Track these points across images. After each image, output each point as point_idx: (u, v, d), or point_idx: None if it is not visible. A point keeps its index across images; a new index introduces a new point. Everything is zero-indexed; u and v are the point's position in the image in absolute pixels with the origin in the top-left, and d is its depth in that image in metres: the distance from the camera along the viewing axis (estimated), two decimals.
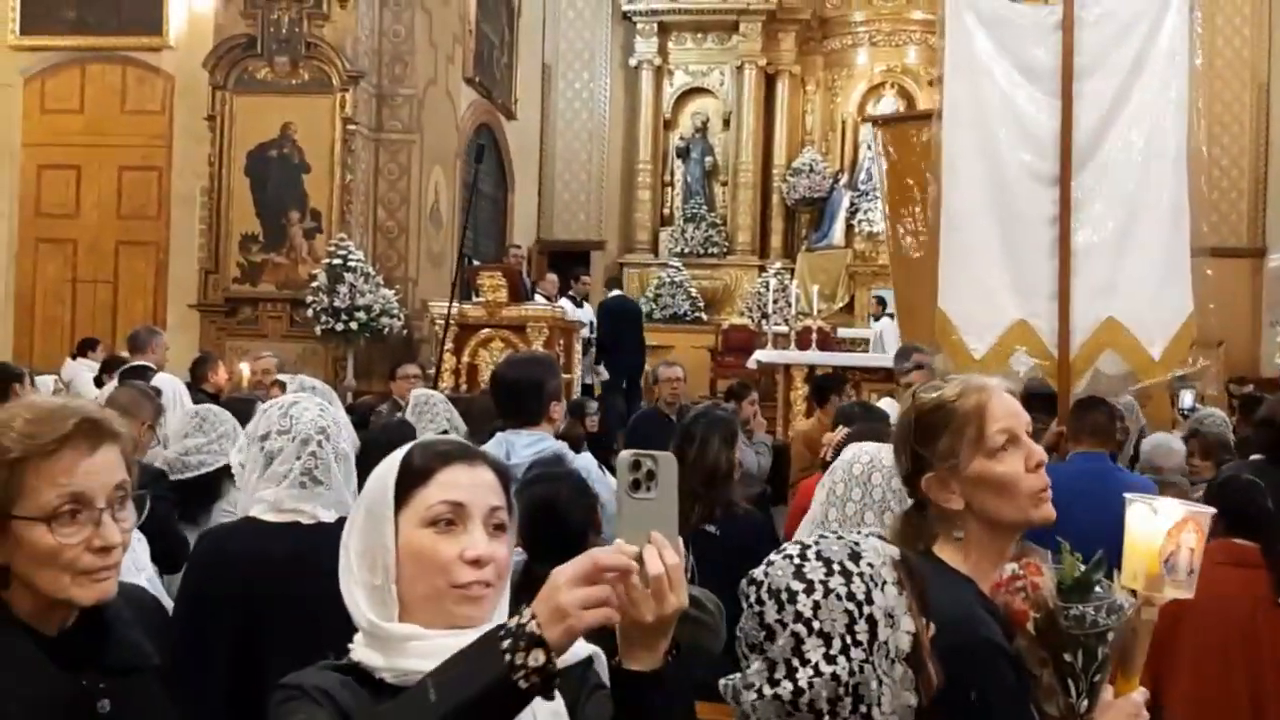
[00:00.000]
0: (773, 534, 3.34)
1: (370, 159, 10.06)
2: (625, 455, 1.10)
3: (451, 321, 8.09)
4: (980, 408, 1.60)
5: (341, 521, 1.41)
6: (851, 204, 14.01)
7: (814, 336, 9.70)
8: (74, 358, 8.66)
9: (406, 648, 1.18)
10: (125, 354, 6.81)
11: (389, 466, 1.25)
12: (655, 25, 14.52)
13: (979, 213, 3.62)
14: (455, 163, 11.17)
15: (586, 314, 10.52)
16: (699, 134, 14.72)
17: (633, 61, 14.68)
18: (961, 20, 3.73)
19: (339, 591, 1.25)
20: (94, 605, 1.33)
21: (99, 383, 6.36)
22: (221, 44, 9.73)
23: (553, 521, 2.26)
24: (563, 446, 3.13)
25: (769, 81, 14.59)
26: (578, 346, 9.63)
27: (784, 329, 10.42)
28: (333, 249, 9.41)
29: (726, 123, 14.67)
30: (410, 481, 1.23)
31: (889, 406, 4.09)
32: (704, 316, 14.01)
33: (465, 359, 8.77)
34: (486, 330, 8.81)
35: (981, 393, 1.62)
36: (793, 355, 9.54)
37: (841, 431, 3.26)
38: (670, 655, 1.09)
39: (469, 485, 1.23)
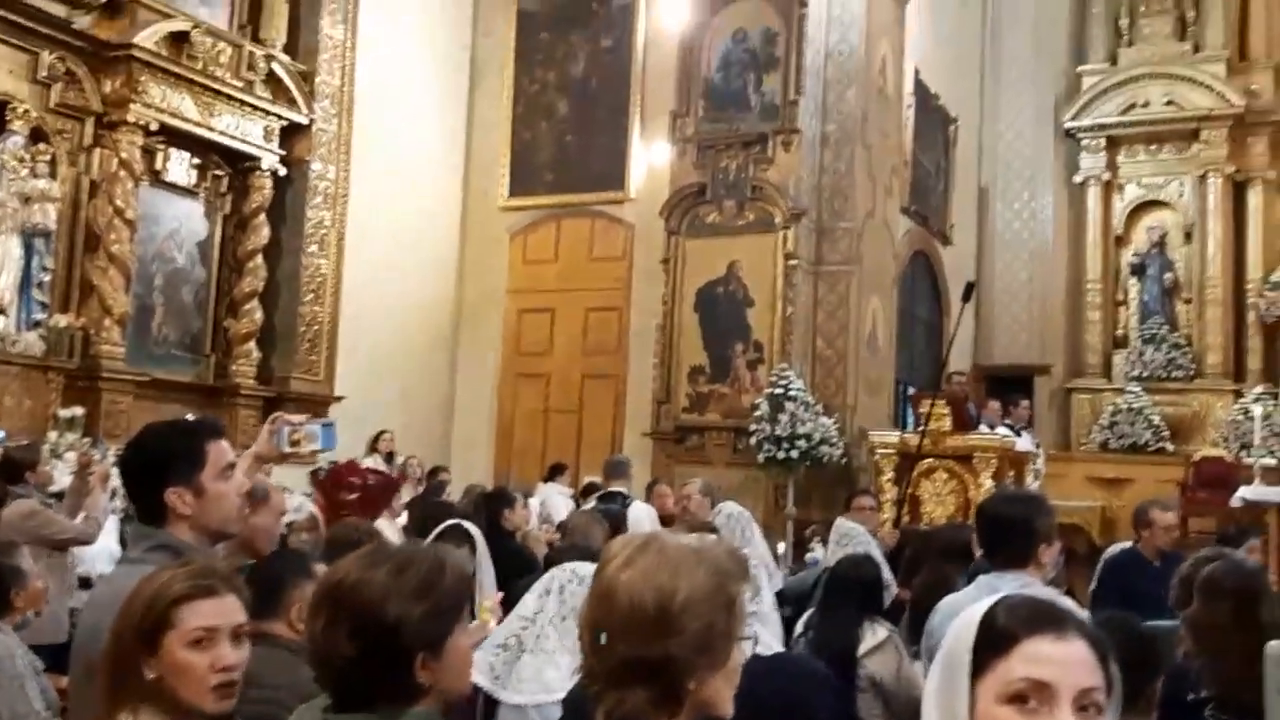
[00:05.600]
0: None
1: (810, 290, 10.31)
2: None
3: (894, 450, 7.96)
4: None
5: None
6: None
7: None
8: (545, 480, 9.50)
9: None
10: (597, 479, 7.37)
11: (968, 624, 1.17)
12: (1103, 140, 13.80)
13: None
14: (892, 290, 11.17)
15: (1027, 443, 9.92)
16: (1156, 249, 13.63)
17: (1078, 178, 14.01)
18: None
19: None
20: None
21: (577, 504, 6.90)
22: (676, 193, 10.51)
23: None
24: (1054, 593, 2.90)
25: (1238, 189, 13.28)
26: (1029, 479, 9.08)
27: (1273, 462, 9.16)
28: (774, 379, 9.67)
29: (1188, 236, 13.49)
30: (990, 646, 1.13)
31: None
32: (1169, 446, 12.71)
33: (907, 489, 8.56)
34: (930, 460, 8.56)
35: None
36: None
37: None
38: None
39: (1059, 661, 1.11)
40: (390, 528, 5.42)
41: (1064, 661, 1.11)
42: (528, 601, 2.72)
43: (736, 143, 10.31)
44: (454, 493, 8.45)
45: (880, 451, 8.77)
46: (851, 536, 3.98)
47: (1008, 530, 2.88)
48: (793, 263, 10.08)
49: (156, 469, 2.12)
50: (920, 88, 12.15)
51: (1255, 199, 13.24)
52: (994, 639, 1.14)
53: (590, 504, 5.76)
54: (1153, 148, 13.75)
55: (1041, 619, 1.14)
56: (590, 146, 11.85)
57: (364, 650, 1.47)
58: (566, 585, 2.96)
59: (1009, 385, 12.55)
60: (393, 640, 1.48)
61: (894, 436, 8.64)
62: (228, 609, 1.77)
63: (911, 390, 11.13)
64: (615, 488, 6.45)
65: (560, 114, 12.11)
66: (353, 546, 1.86)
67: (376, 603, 1.49)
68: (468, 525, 3.56)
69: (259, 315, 10.14)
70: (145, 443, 2.19)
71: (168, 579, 1.75)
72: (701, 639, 1.32)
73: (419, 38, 11.89)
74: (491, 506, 5.51)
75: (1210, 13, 13.48)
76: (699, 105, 10.53)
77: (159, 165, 9.51)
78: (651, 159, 11.30)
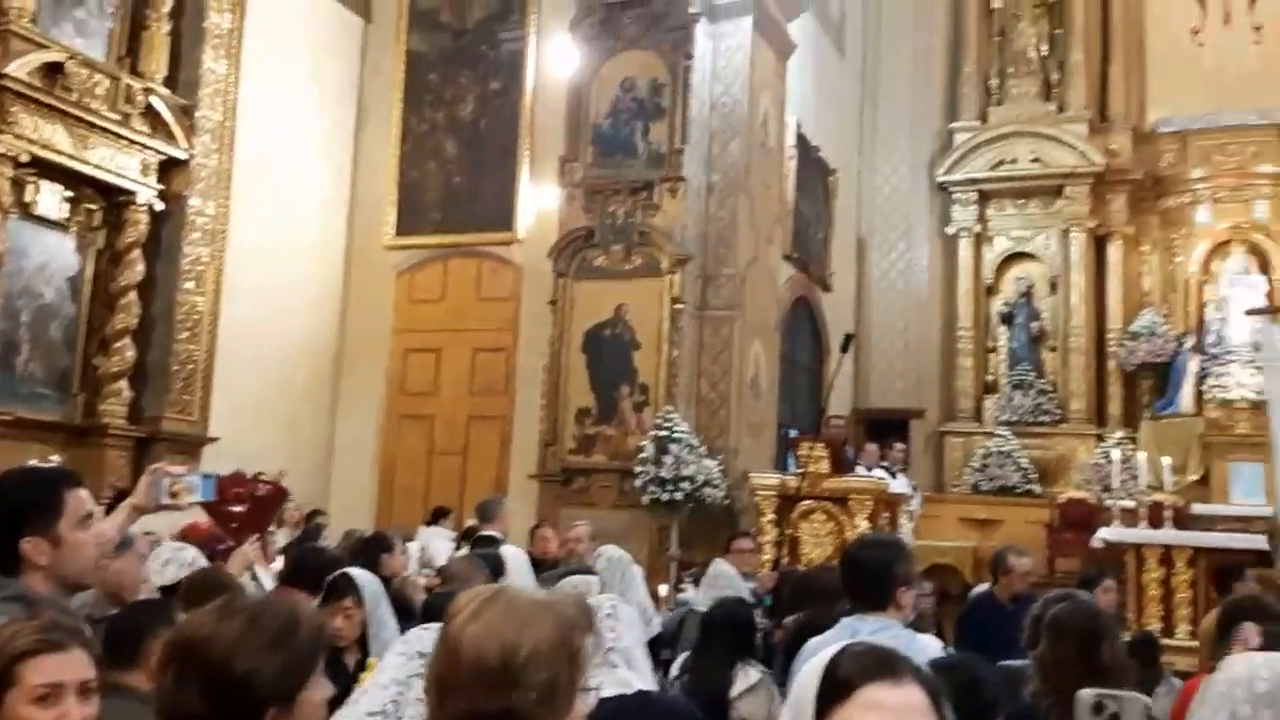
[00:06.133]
0: None
1: (695, 334, 10.49)
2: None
3: (774, 492, 8.12)
4: None
5: None
6: (1201, 369, 12.95)
7: (1168, 513, 8.87)
8: (428, 524, 9.40)
9: None
10: (474, 522, 7.32)
11: (813, 672, 1.23)
12: (974, 194, 14.41)
13: None
14: (774, 335, 11.44)
15: (903, 485, 10.24)
16: (1023, 299, 14.26)
17: (950, 230, 14.58)
18: None
19: None
20: None
21: (459, 548, 6.84)
22: (564, 236, 10.61)
23: None
24: (911, 635, 3.02)
25: (1099, 243, 14.01)
26: (903, 520, 9.34)
27: (1130, 503, 9.62)
28: (660, 421, 9.79)
29: (1053, 287, 14.15)
30: (831, 694, 1.19)
31: None
32: (1036, 488, 13.23)
33: (787, 531, 8.72)
34: (808, 502, 8.75)
35: None
36: (1146, 534, 8.76)
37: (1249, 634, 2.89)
38: None
39: (893, 707, 1.16)
40: (266, 574, 5.30)
41: (898, 707, 1.17)
42: (395, 663, 2.70)
43: (624, 188, 10.47)
44: (333, 536, 8.29)
45: (761, 493, 8.90)
46: (722, 578, 4.05)
47: (868, 574, 2.99)
48: (678, 307, 10.25)
49: (12, 518, 2.08)
50: (801, 140, 12.52)
51: (1115, 253, 13.97)
52: (835, 686, 1.20)
53: (464, 549, 5.72)
54: (1020, 202, 14.41)
55: (879, 667, 1.20)
56: (479, 187, 11.87)
57: (214, 705, 1.46)
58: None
59: (887, 428, 12.93)
60: (244, 694, 1.47)
61: (774, 479, 8.79)
62: (74, 664, 1.72)
63: (793, 433, 11.37)
64: (488, 531, 6.42)
65: (449, 154, 12.12)
66: (213, 592, 1.85)
67: (227, 656, 1.48)
68: (355, 574, 3.51)
69: (131, 353, 9.83)
70: (1, 491, 2.14)
71: (10, 634, 1.71)
72: (545, 692, 1.33)
73: (305, 74, 11.78)
74: (369, 552, 5.43)
75: (1073, 76, 14.26)
76: (587, 151, 10.67)
77: (29, 198, 9.18)
78: (540, 201, 11.39)
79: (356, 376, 12.11)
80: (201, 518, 6.32)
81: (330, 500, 11.26)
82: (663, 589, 7.67)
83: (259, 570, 5.15)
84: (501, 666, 1.33)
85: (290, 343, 11.46)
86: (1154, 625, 8.29)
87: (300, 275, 11.63)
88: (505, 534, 6.90)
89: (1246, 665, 2.01)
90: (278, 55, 11.29)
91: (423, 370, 11.91)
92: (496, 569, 5.05)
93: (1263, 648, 2.58)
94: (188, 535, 5.00)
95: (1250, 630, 2.93)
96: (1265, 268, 13.35)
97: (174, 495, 2.57)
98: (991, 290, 14.48)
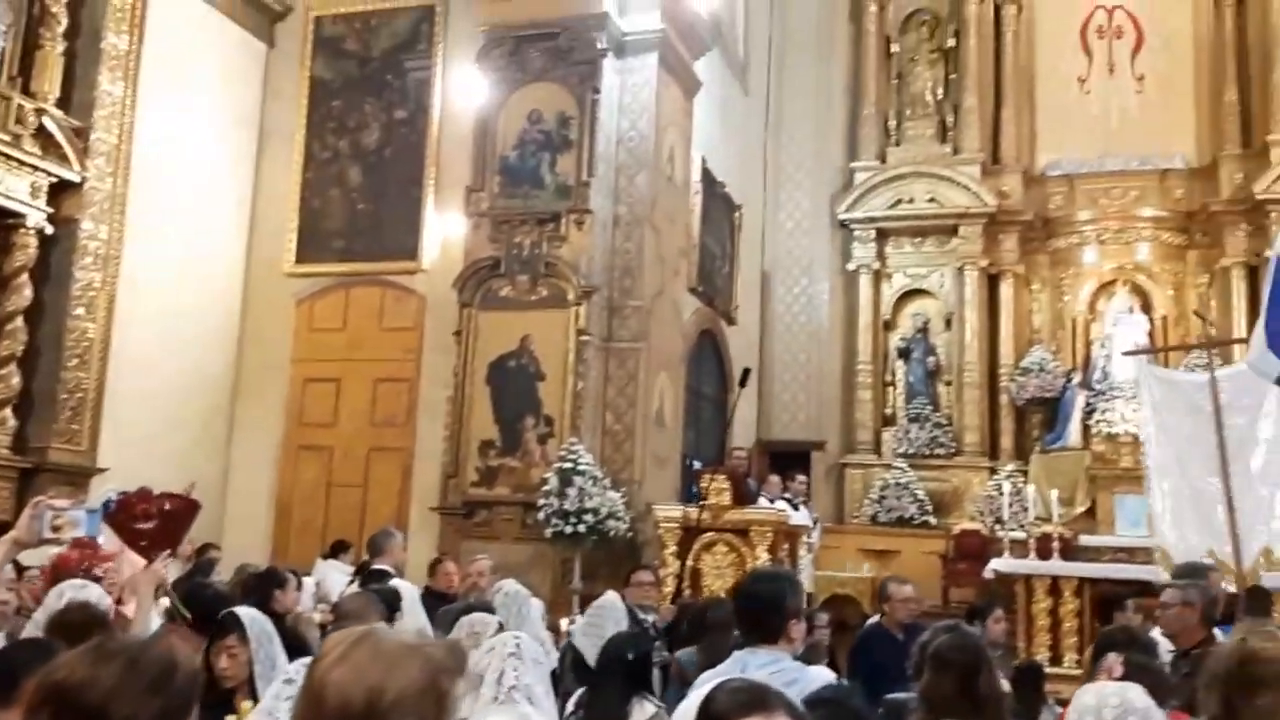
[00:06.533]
0: None
1: (600, 366, 10.51)
2: None
3: (677, 524, 8.18)
4: None
5: None
6: (1088, 404, 13.45)
7: (1055, 544, 9.17)
8: (325, 558, 9.20)
9: None
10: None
11: (691, 709, 1.26)
12: (873, 232, 14.79)
13: None
14: (679, 368, 11.54)
15: (804, 516, 10.39)
16: (920, 334, 14.65)
17: (850, 266, 14.93)
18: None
19: None
20: None
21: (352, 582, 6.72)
22: (469, 266, 10.57)
23: None
24: (800, 667, 3.07)
25: (991, 281, 14.48)
26: (802, 551, 9.48)
27: (1021, 535, 9.92)
28: (564, 453, 9.77)
29: (948, 323, 14.57)
30: None
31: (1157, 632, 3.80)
32: (932, 520, 13.54)
33: (689, 562, 8.77)
34: (710, 534, 8.81)
35: None
36: (1034, 565, 9.05)
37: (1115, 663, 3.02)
38: None
39: None
40: (154, 610, 5.14)
41: None
42: (272, 692, 2.65)
43: (531, 219, 10.49)
44: (226, 571, 8.08)
45: (664, 525, 8.95)
46: (605, 609, 4.07)
47: (759, 608, 3.04)
48: (584, 338, 10.27)
49: None
50: (707, 176, 12.72)
51: (1006, 291, 14.46)
52: None
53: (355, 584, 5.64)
54: (917, 240, 14.83)
55: (752, 702, 1.26)
56: (383, 216, 11.76)
57: None
58: None
59: (790, 460, 13.11)
60: None
61: (678, 511, 8.85)
62: None
63: (697, 465, 11.47)
64: (380, 565, 6.33)
65: (352, 182, 11.99)
66: (79, 630, 1.79)
67: (105, 702, 1.44)
68: (240, 611, 3.44)
69: (16, 380, 9.47)
70: None
71: None
72: None
73: (206, 99, 11.56)
74: (261, 588, 5.32)
75: (967, 119, 14.76)
76: (494, 181, 10.67)
77: None
78: (446, 231, 11.33)
79: (253, 407, 11.84)
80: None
81: (224, 534, 10.95)
82: (564, 623, 7.63)
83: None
84: (366, 711, 1.32)
85: (184, 371, 11.16)
86: (1043, 654, 8.55)
87: (196, 303, 11.35)
88: (398, 567, 6.82)
89: (1096, 694, 2.13)
90: (177, 79, 11.06)
91: (322, 401, 11.69)
92: (393, 604, 4.99)
93: (1124, 677, 2.70)
94: (58, 567, 4.79)
95: (1114, 660, 3.06)
96: (1147, 307, 13.95)
97: (56, 529, 2.50)
98: (890, 325, 14.85)
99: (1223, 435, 6.23)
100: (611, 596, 4.52)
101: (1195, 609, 4.37)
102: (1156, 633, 4.40)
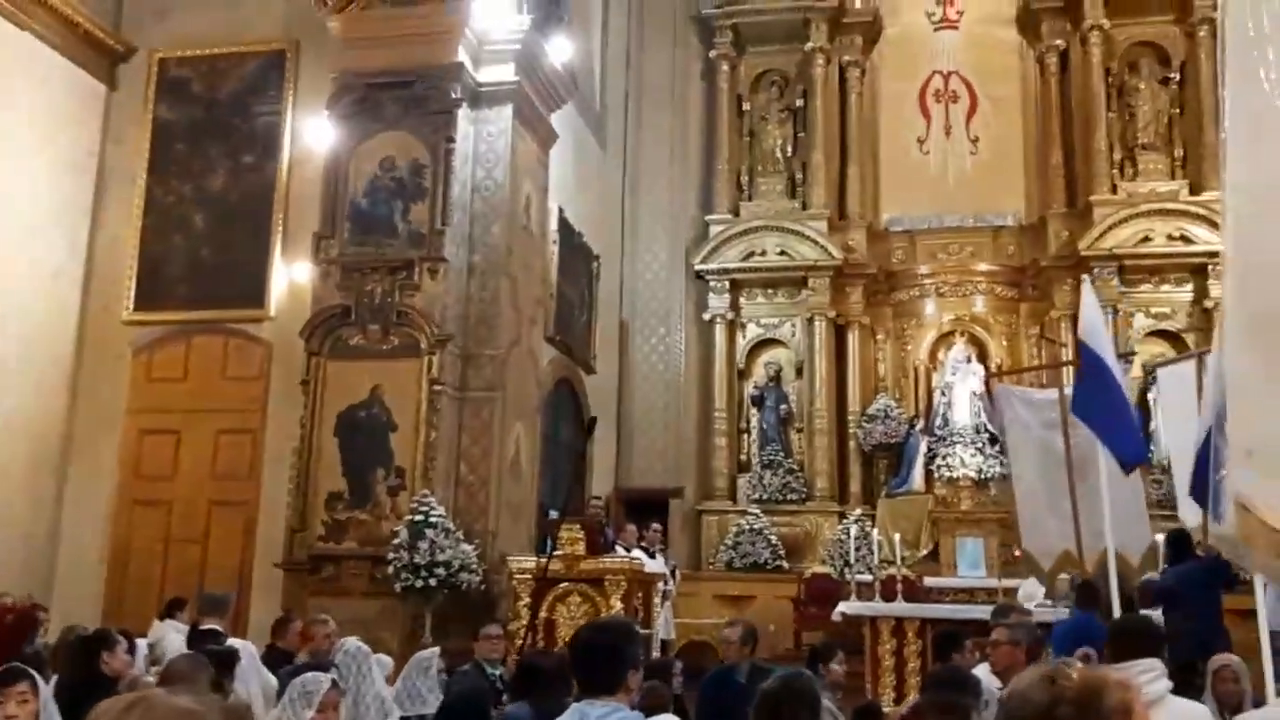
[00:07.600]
0: None
1: (454, 416, 10.38)
2: None
3: (531, 575, 8.11)
4: (1125, 706, 1.60)
5: None
6: (929, 449, 13.97)
7: (899, 586, 9.46)
8: (162, 619, 8.76)
9: None
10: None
11: None
12: (727, 283, 15.13)
13: None
14: (535, 417, 11.49)
15: (660, 565, 10.45)
16: (773, 383, 15.01)
17: (706, 316, 15.22)
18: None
19: None
20: None
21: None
22: (318, 314, 10.32)
23: None
24: (639, 716, 3.07)
25: (839, 331, 14.97)
26: (657, 600, 9.51)
27: (868, 578, 10.19)
28: (415, 505, 9.57)
29: (799, 371, 14.97)
30: None
31: (982, 671, 3.96)
32: (785, 564, 13.79)
33: (543, 614, 8.70)
34: (565, 584, 8.77)
35: (1126, 691, 1.62)
36: (879, 607, 9.30)
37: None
38: None
39: None
40: None
41: None
42: None
43: (383, 267, 10.33)
44: (54, 633, 7.62)
45: (518, 577, 8.88)
46: (421, 663, 4.03)
47: (597, 658, 3.04)
48: (437, 388, 10.13)
49: None
50: (565, 225, 12.80)
51: (853, 340, 14.97)
52: None
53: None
54: (769, 291, 15.25)
55: None
56: (228, 262, 11.41)
57: None
58: None
59: (648, 508, 13.19)
60: None
61: (532, 561, 8.79)
62: None
63: (554, 513, 11.40)
64: (210, 624, 6.09)
65: (197, 227, 11.60)
66: None
67: None
68: (38, 679, 3.25)
69: None
70: None
71: None
72: None
73: (38, 140, 11.05)
74: (88, 650, 5.04)
75: (815, 175, 15.31)
76: (345, 228, 10.49)
77: None
78: (293, 278, 11.07)
79: (85, 460, 11.24)
80: None
81: (54, 594, 10.35)
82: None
83: None
84: None
85: (10, 424, 10.55)
86: (888, 694, 8.77)
87: (24, 351, 10.76)
88: (227, 627, 6.58)
89: None
90: (6, 119, 10.56)
91: (160, 453, 11.18)
92: (228, 663, 4.80)
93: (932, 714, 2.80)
94: None
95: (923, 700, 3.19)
96: (983, 356, 14.63)
97: None
98: (744, 374, 15.17)
99: (1069, 443, 7.16)
100: (428, 652, 4.48)
101: (1021, 648, 4.58)
102: (984, 669, 4.57)
